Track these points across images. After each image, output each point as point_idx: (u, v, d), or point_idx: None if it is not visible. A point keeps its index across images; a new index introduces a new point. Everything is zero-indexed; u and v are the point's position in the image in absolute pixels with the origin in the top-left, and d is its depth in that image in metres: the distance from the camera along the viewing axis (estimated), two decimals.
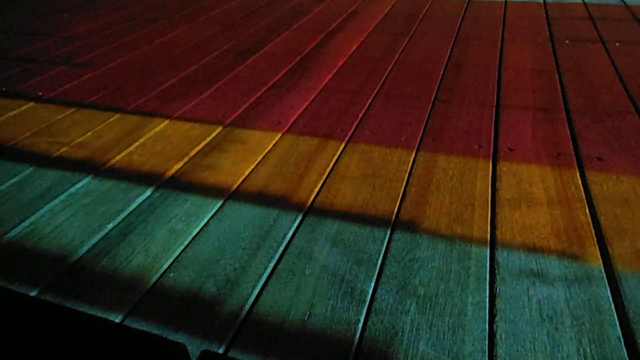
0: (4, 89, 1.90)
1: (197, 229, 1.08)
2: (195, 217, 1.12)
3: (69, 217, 1.14)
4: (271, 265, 0.97)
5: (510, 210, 1.10)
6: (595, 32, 2.24)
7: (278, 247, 1.02)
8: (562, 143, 1.36)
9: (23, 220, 1.14)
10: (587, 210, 1.08)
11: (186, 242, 1.04)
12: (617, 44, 2.08)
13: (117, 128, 1.55)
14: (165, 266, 0.98)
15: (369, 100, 1.66)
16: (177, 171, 1.30)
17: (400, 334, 0.81)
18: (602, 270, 0.92)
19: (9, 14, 2.97)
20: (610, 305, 0.85)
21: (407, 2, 2.89)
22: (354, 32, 2.39)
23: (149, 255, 1.01)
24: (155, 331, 0.83)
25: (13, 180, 1.30)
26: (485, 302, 0.86)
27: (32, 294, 0.92)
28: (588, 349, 0.77)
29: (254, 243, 1.03)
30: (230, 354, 0.79)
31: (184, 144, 1.44)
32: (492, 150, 1.33)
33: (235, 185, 1.23)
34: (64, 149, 1.44)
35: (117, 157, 1.38)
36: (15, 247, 1.05)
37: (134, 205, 1.17)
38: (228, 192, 1.20)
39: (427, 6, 2.78)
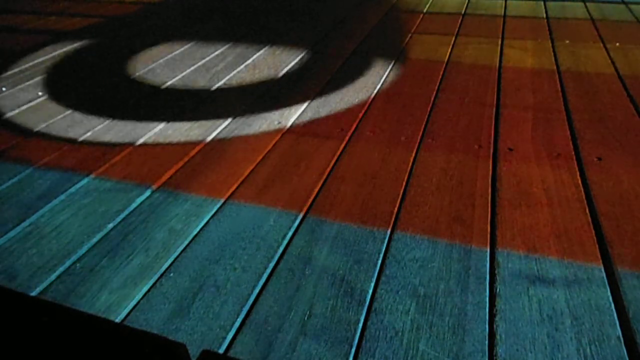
0: (4, 88, 1.89)
1: (197, 229, 1.08)
2: (195, 217, 1.12)
3: (69, 217, 1.14)
4: (271, 265, 0.97)
5: (510, 210, 1.10)
6: (595, 32, 2.24)
7: (278, 247, 1.02)
8: (562, 143, 1.36)
9: (23, 220, 1.14)
10: (587, 210, 1.08)
11: (186, 242, 1.04)
12: (617, 44, 2.08)
13: (117, 127, 1.55)
14: (165, 266, 0.98)
15: (369, 100, 1.66)
16: (177, 171, 1.30)
17: (400, 334, 0.81)
18: (602, 270, 0.92)
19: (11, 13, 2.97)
20: (610, 305, 0.85)
21: (406, 2, 2.89)
22: (354, 31, 2.39)
23: (149, 255, 1.01)
24: (155, 331, 0.83)
25: (13, 180, 1.30)
26: (485, 302, 0.86)
27: (32, 294, 0.92)
28: (588, 349, 0.77)
29: (254, 243, 1.03)
30: (230, 354, 0.79)
31: (184, 143, 1.44)
32: (492, 150, 1.33)
33: (236, 185, 1.23)
34: (64, 148, 1.44)
35: (117, 157, 1.38)
36: (15, 247, 1.05)
37: (134, 205, 1.17)
38: (228, 192, 1.20)
39: (428, 5, 2.78)
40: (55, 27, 2.66)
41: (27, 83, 1.93)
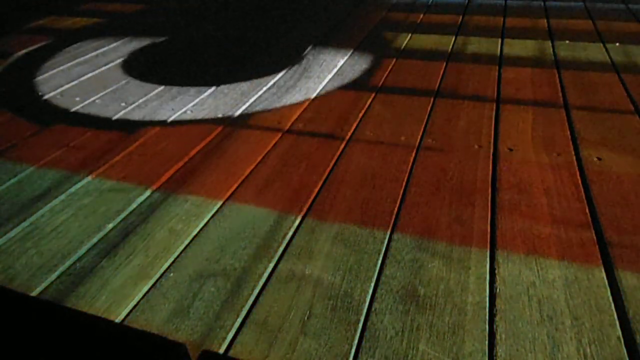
0: (3, 88, 1.89)
1: (197, 229, 1.08)
2: (195, 217, 1.12)
3: (69, 217, 1.14)
4: (271, 265, 0.97)
5: (510, 210, 1.10)
6: (595, 32, 2.24)
7: (278, 247, 1.02)
8: (562, 143, 1.36)
9: (23, 220, 1.14)
10: (587, 210, 1.08)
11: (186, 242, 1.04)
12: (617, 43, 2.08)
13: (117, 127, 1.55)
14: (165, 266, 0.98)
15: (369, 100, 1.66)
16: (177, 171, 1.30)
17: (400, 334, 0.81)
18: (602, 270, 0.92)
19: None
20: (610, 305, 0.85)
21: (407, 1, 2.89)
22: (354, 30, 2.39)
23: (149, 255, 1.01)
24: (155, 331, 0.83)
25: (13, 180, 1.30)
26: (485, 302, 0.86)
27: (32, 294, 0.92)
28: (588, 349, 0.77)
29: (254, 243, 1.03)
30: (230, 354, 0.79)
31: (184, 143, 1.44)
32: (492, 150, 1.33)
33: (236, 185, 1.23)
34: (64, 148, 1.44)
35: (117, 157, 1.38)
36: (15, 247, 1.05)
37: (134, 205, 1.17)
38: (228, 192, 1.20)
39: (428, 4, 2.78)
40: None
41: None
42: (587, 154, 1.30)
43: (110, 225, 1.11)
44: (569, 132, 1.41)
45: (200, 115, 1.61)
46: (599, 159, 1.27)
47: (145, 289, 0.93)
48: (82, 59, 2.19)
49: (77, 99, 1.78)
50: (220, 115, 1.60)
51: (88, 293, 0.92)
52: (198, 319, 0.86)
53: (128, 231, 1.08)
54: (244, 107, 1.65)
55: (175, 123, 1.56)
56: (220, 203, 1.16)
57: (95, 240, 1.06)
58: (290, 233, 1.05)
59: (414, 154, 1.33)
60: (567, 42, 2.13)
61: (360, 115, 1.56)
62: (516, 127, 1.45)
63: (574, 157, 1.29)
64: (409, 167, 1.27)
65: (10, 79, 1.99)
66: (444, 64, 1.95)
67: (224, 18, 2.72)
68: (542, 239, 1.01)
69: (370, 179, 1.23)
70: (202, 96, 1.75)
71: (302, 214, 1.11)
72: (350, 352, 0.79)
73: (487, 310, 0.85)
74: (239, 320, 0.85)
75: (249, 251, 1.01)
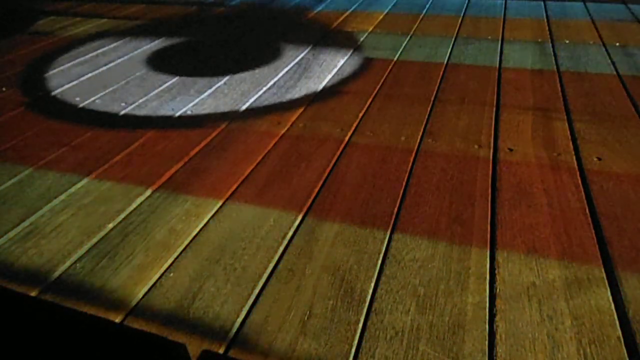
0: (3, 88, 1.89)
1: (197, 229, 1.08)
2: (195, 217, 1.12)
3: (69, 217, 1.14)
4: (271, 265, 0.97)
5: (510, 210, 1.10)
6: (595, 32, 2.24)
7: (278, 247, 1.02)
8: (562, 143, 1.36)
9: (23, 220, 1.14)
10: (587, 210, 1.08)
11: (186, 242, 1.04)
12: (617, 44, 2.08)
13: (117, 127, 1.55)
14: (165, 266, 0.98)
15: (369, 100, 1.66)
16: (177, 171, 1.30)
17: (400, 334, 0.81)
18: (602, 270, 0.92)
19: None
20: (610, 305, 0.85)
21: (406, 2, 2.89)
22: (354, 30, 2.39)
23: (149, 255, 1.01)
24: (155, 331, 0.83)
25: (13, 180, 1.30)
26: (485, 302, 0.86)
27: (32, 294, 0.92)
28: (588, 349, 0.77)
29: (253, 243, 1.03)
30: (230, 354, 0.79)
31: (184, 143, 1.44)
32: (492, 150, 1.33)
33: (236, 185, 1.23)
34: (64, 148, 1.44)
35: (117, 157, 1.38)
36: (15, 247, 1.05)
37: (134, 205, 1.17)
38: (228, 192, 1.20)
39: (427, 5, 2.78)
40: None
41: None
42: (587, 154, 1.30)
43: (110, 225, 1.11)
44: (569, 132, 1.41)
45: (200, 115, 1.61)
46: (599, 159, 1.27)
47: (145, 289, 0.93)
48: (82, 59, 2.19)
49: (77, 99, 1.78)
50: (220, 116, 1.60)
51: (88, 293, 0.92)
52: (198, 319, 0.86)
53: (128, 231, 1.08)
54: (244, 107, 1.65)
55: (176, 123, 1.56)
56: (220, 203, 1.16)
57: (95, 240, 1.06)
58: (290, 233, 1.05)
59: (414, 154, 1.33)
60: (567, 42, 2.13)
61: (360, 115, 1.56)
62: (516, 127, 1.45)
63: (574, 157, 1.29)
64: (409, 167, 1.27)
65: (11, 80, 1.99)
66: (444, 64, 1.95)
67: (222, 20, 2.72)
68: (542, 238, 1.01)
69: (370, 179, 1.23)
70: (202, 96, 1.75)
71: (302, 214, 1.11)
72: (350, 352, 0.79)
73: (487, 310, 0.85)
74: (239, 320, 0.85)
75: (249, 251, 1.01)
